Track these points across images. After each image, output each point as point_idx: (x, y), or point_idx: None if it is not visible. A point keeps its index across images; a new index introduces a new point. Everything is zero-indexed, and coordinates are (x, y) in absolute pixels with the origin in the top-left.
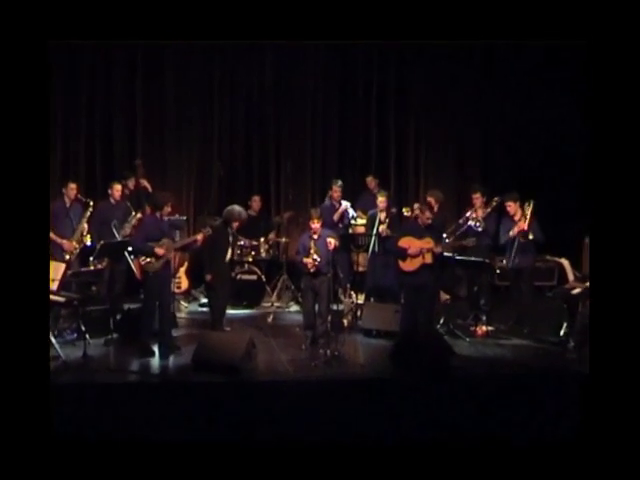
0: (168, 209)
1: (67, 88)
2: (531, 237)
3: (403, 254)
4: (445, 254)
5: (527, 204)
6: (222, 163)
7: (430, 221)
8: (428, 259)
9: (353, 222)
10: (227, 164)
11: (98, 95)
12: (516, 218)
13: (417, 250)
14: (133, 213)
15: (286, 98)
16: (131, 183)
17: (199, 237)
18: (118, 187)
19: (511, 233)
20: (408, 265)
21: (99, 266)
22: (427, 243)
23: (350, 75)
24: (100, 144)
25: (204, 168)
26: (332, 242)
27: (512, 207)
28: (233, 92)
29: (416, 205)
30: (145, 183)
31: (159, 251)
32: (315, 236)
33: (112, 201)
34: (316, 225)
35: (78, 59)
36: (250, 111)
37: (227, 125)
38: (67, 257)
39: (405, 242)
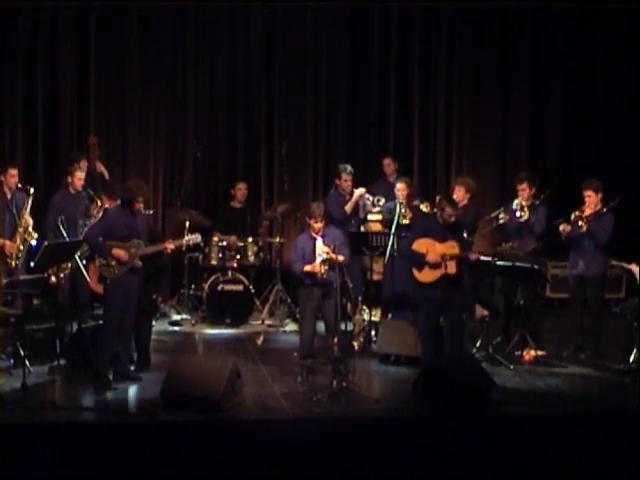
0: (140, 205)
1: None
2: (584, 229)
3: (419, 261)
4: (483, 258)
5: (614, 200)
6: (199, 141)
7: (454, 219)
8: (451, 269)
9: (371, 216)
10: (205, 143)
11: (39, 54)
12: (588, 212)
13: (437, 257)
14: (98, 204)
15: (281, 59)
16: (83, 167)
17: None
18: (80, 175)
19: (563, 227)
20: (426, 275)
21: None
22: (451, 248)
23: (363, 31)
24: (43, 117)
25: (175, 148)
26: (329, 253)
27: (592, 198)
28: (212, 50)
29: (439, 197)
30: (101, 168)
31: (118, 253)
32: (318, 236)
33: (72, 191)
34: (319, 225)
35: (14, 9)
36: (234, 75)
37: (205, 93)
38: (12, 263)
39: (422, 245)
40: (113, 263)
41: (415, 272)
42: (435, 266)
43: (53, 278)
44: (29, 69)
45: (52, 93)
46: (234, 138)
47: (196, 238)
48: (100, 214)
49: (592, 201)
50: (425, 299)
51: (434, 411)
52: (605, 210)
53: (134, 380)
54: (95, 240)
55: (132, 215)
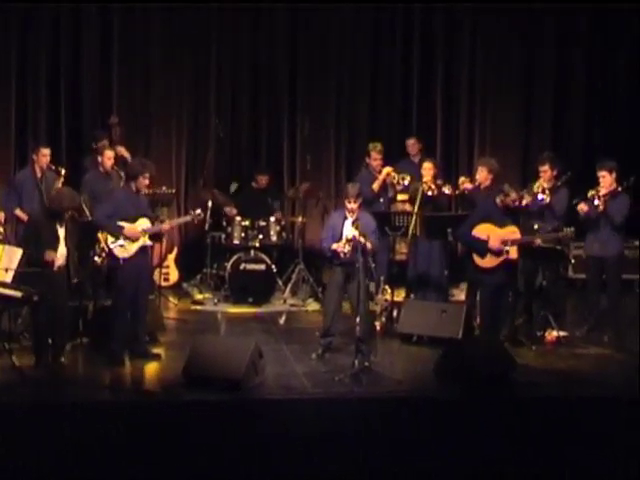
0: (145, 181)
1: (22, 22)
2: (600, 208)
3: (481, 248)
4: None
5: (629, 180)
6: (221, 121)
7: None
8: (513, 253)
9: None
10: (228, 122)
11: (61, 32)
12: (604, 192)
13: (499, 244)
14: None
15: (304, 35)
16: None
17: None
18: (110, 154)
19: (580, 207)
20: (486, 261)
21: None
22: (512, 233)
23: (387, 13)
24: (66, 98)
25: (198, 127)
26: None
27: (607, 179)
28: (236, 31)
29: (462, 179)
30: (122, 150)
31: (129, 232)
32: (352, 218)
33: (102, 170)
34: (353, 206)
35: None
36: (257, 53)
37: (228, 71)
38: None
39: (482, 231)
40: (125, 242)
41: (475, 257)
42: (497, 252)
43: (97, 258)
44: (52, 50)
45: (75, 73)
46: (257, 117)
47: (199, 215)
48: None
49: (606, 181)
50: (483, 283)
51: (456, 392)
52: (620, 190)
53: (153, 358)
54: (105, 221)
55: (137, 193)
